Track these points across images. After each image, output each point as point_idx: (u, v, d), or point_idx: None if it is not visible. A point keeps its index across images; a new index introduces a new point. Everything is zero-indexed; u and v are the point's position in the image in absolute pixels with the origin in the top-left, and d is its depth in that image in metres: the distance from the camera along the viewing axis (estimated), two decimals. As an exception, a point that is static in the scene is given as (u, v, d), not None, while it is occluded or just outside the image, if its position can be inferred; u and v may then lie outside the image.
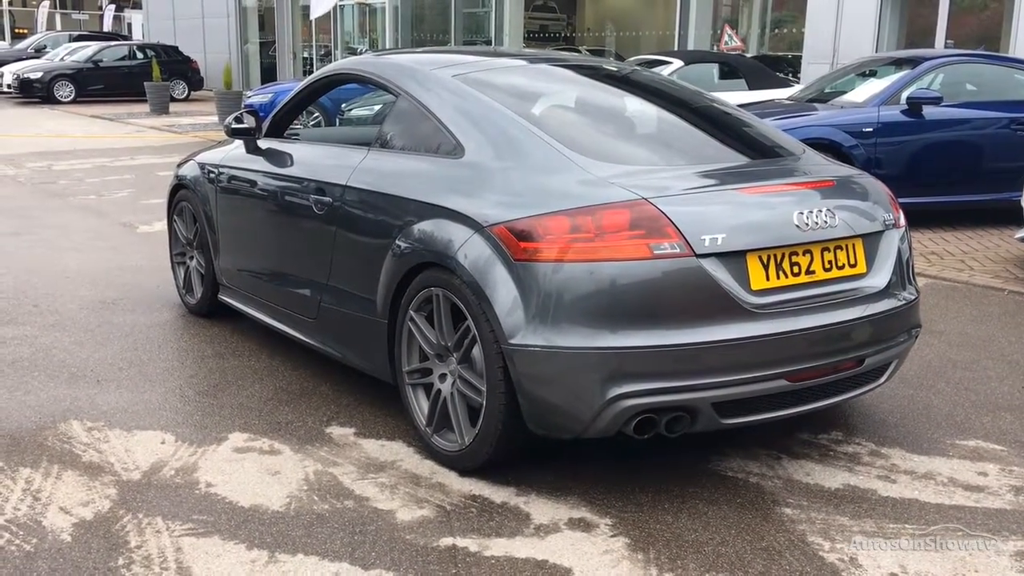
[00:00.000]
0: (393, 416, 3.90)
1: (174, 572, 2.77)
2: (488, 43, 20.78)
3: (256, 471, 3.43)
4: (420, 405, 3.58)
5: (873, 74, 8.99)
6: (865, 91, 8.48)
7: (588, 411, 3.05)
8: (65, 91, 23.20)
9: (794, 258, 3.23)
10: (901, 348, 3.60)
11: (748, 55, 15.07)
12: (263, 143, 4.69)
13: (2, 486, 3.30)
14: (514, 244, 3.12)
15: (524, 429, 3.22)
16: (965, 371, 4.58)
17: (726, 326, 3.06)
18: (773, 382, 3.16)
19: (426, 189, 3.53)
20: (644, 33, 21.93)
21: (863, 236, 3.43)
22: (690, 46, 16.17)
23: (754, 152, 3.86)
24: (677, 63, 11.46)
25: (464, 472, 3.39)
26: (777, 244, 3.19)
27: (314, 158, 4.35)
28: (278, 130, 4.78)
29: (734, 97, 9.05)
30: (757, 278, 3.14)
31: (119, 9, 39.08)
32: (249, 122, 4.64)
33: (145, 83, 20.91)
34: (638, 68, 4.78)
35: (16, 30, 46.85)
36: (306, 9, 21.57)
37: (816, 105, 8.57)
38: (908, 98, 7.93)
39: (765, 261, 3.17)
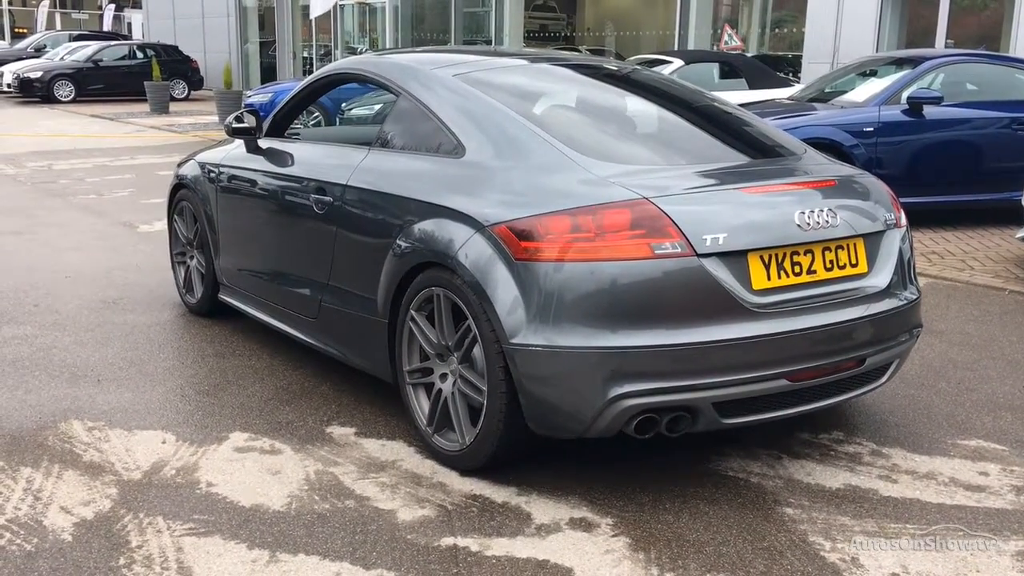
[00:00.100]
0: (394, 416, 3.89)
1: (175, 572, 2.77)
2: (488, 43, 20.77)
3: (257, 471, 3.43)
4: (421, 405, 3.57)
5: (874, 74, 8.98)
6: (866, 91, 8.48)
7: (589, 411, 3.05)
8: (65, 91, 23.19)
9: (795, 258, 3.23)
10: (902, 348, 3.60)
11: (748, 55, 15.06)
12: (263, 142, 4.68)
13: (3, 486, 3.30)
14: (515, 244, 3.11)
15: (525, 429, 3.21)
16: (966, 371, 4.58)
17: (727, 326, 3.06)
18: (774, 382, 3.16)
19: (427, 189, 3.53)
20: (644, 33, 21.94)
21: (864, 236, 3.42)
22: (690, 46, 16.17)
23: (755, 152, 3.86)
24: (677, 63, 11.46)
25: (465, 472, 3.39)
26: (778, 244, 3.19)
27: (315, 157, 4.35)
28: (278, 130, 4.78)
29: (734, 97, 9.04)
30: (758, 278, 3.14)
31: (119, 9, 39.08)
32: (250, 121, 4.63)
33: (145, 83, 20.90)
34: (638, 68, 4.78)
35: (16, 29, 46.85)
36: (306, 9, 21.56)
37: (816, 105, 8.57)
38: (909, 98, 7.93)
39: (766, 261, 3.17)
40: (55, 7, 44.54)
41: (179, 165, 5.47)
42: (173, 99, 22.65)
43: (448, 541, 2.95)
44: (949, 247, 7.45)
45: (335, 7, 22.42)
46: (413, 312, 3.49)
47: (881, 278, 3.45)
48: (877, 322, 3.38)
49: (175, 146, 14.24)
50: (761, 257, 3.16)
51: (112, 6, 38.60)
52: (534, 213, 3.13)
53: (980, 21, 14.46)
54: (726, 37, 15.08)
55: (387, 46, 20.94)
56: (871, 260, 3.44)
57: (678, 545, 2.95)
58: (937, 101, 7.92)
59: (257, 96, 14.93)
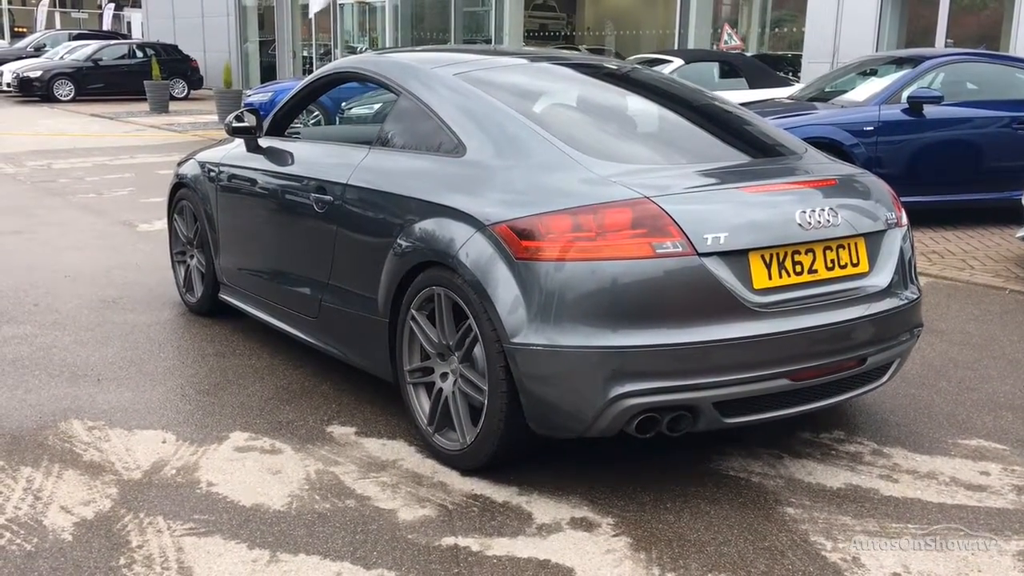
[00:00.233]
0: (394, 415, 3.89)
1: (175, 572, 2.77)
2: (488, 42, 20.76)
3: (257, 470, 3.43)
4: (421, 404, 3.57)
5: (874, 73, 8.98)
6: (866, 90, 8.48)
7: (590, 410, 3.05)
8: (64, 90, 23.18)
9: (796, 257, 3.23)
10: (903, 347, 3.59)
11: (748, 54, 15.05)
12: (264, 142, 4.68)
13: (3, 485, 3.29)
14: (516, 243, 3.11)
15: (526, 428, 3.21)
16: (967, 370, 4.58)
17: (728, 325, 3.05)
18: (775, 381, 3.16)
19: (427, 188, 3.52)
20: (644, 32, 21.92)
21: (865, 235, 3.42)
22: (690, 45, 16.16)
23: (756, 151, 3.85)
24: (677, 62, 11.45)
25: (466, 471, 3.39)
26: (779, 243, 3.18)
27: (315, 157, 4.35)
28: (279, 129, 4.77)
29: (734, 96, 9.04)
30: (759, 277, 3.14)
31: (118, 8, 39.03)
32: (250, 121, 4.63)
33: (145, 82, 20.89)
34: (639, 67, 4.77)
35: (15, 29, 46.82)
36: (305, 8, 21.58)
37: (816, 104, 8.56)
38: (909, 97, 7.93)
39: (767, 260, 3.16)
40: (55, 6, 44.52)
41: (179, 164, 5.47)
42: (173, 98, 22.64)
43: (449, 541, 2.95)
44: (949, 246, 7.45)
45: (335, 6, 22.43)
46: (414, 311, 3.49)
47: (882, 277, 3.45)
48: (878, 321, 3.38)
49: (175, 145, 14.23)
50: (762, 256, 3.15)
51: (112, 5, 38.56)
52: (535, 212, 3.13)
53: (980, 20, 14.46)
54: (726, 36, 15.07)
55: (387, 45, 20.92)
56: (872, 259, 3.44)
57: (679, 545, 2.95)
58: (937, 100, 7.91)
59: (257, 95, 14.93)
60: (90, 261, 6.69)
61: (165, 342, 4.89)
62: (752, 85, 11.29)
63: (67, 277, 6.20)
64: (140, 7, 31.52)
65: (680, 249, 3.02)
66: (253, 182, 4.61)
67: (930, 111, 7.93)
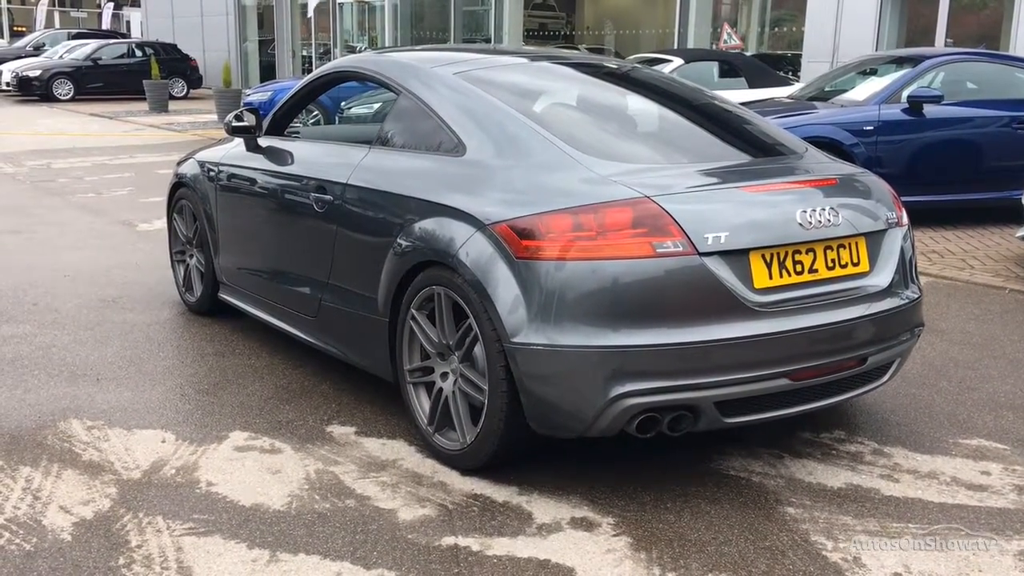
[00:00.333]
0: (394, 415, 3.89)
1: (175, 571, 2.76)
2: (487, 41, 20.76)
3: (257, 470, 3.42)
4: (421, 404, 3.57)
5: (873, 72, 8.97)
6: (866, 89, 8.47)
7: (590, 410, 3.04)
8: (64, 89, 23.17)
9: (797, 257, 3.22)
10: (903, 347, 3.59)
11: (748, 53, 15.04)
12: (263, 141, 4.67)
13: (2, 485, 3.29)
14: (516, 242, 3.11)
15: (526, 428, 3.21)
16: (967, 370, 4.58)
17: (729, 325, 3.05)
18: (776, 381, 3.15)
19: (427, 187, 3.52)
20: (643, 31, 21.91)
21: (866, 235, 3.42)
22: (690, 44, 16.16)
23: (756, 150, 3.85)
24: (677, 61, 11.44)
25: (466, 471, 3.38)
26: (780, 242, 3.18)
27: (315, 156, 4.34)
28: (278, 128, 4.77)
29: (734, 96, 9.03)
30: (760, 277, 3.13)
31: (118, 7, 39.01)
32: (249, 120, 4.62)
33: (144, 81, 20.88)
34: (638, 66, 4.77)
35: (15, 28, 46.81)
36: (305, 7, 21.56)
37: (816, 104, 8.56)
38: (909, 97, 7.92)
39: (768, 260, 3.16)
40: (54, 5, 44.48)
41: (178, 164, 5.46)
42: (172, 98, 22.62)
43: (449, 541, 2.95)
44: (949, 246, 7.45)
45: (334, 5, 22.42)
46: (414, 311, 3.48)
47: (883, 277, 3.44)
48: (879, 321, 3.38)
49: (174, 145, 14.22)
50: (763, 256, 3.15)
51: (111, 4, 38.54)
52: (535, 212, 3.12)
53: (980, 20, 14.46)
54: (725, 36, 15.06)
55: (386, 44, 20.92)
56: (873, 259, 3.44)
57: (680, 544, 2.94)
58: (937, 100, 7.91)
59: (256, 94, 14.92)
60: (89, 260, 6.68)
61: (164, 341, 4.89)
62: (752, 85, 11.28)
63: (66, 276, 6.19)
64: (139, 6, 31.50)
65: (681, 249, 3.01)
66: (253, 181, 4.60)
67: (930, 111, 7.93)
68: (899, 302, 3.47)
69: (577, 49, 20.34)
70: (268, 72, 25.57)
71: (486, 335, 3.16)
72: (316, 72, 4.71)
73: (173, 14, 28.57)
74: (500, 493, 3.25)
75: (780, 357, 3.14)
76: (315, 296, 4.09)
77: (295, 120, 5.03)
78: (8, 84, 23.75)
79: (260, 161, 4.58)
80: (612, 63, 4.82)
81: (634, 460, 3.50)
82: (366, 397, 4.10)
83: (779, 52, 17.40)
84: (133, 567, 2.78)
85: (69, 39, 28.43)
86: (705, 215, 3.10)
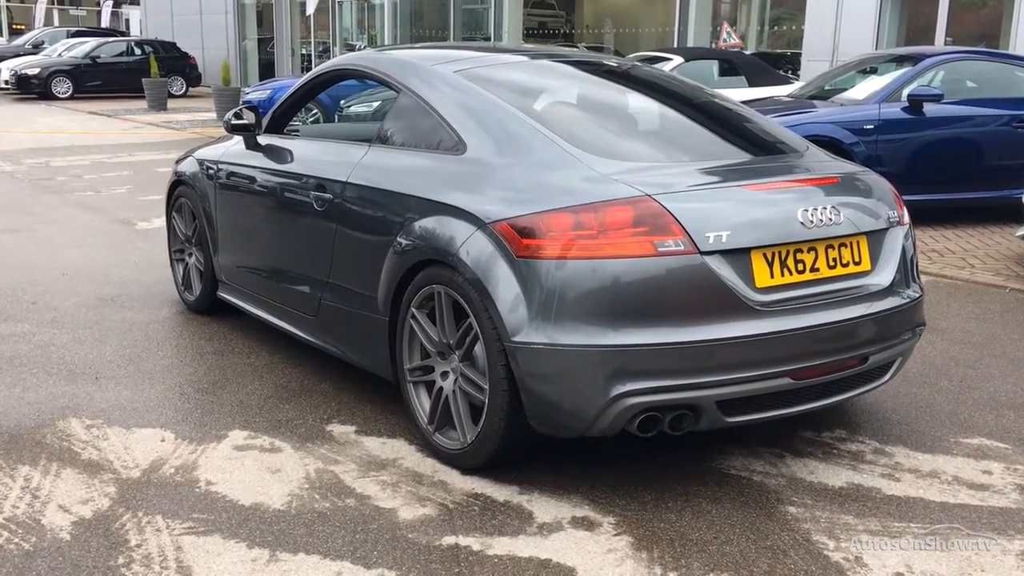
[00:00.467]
0: (394, 414, 3.88)
1: (174, 571, 2.75)
2: (487, 40, 20.74)
3: (257, 469, 3.41)
4: (422, 403, 3.56)
5: (874, 71, 8.96)
6: (866, 88, 8.46)
7: (591, 409, 3.03)
8: (63, 87, 23.13)
9: (799, 255, 3.22)
10: (905, 346, 3.58)
11: (747, 52, 15.03)
12: (263, 139, 4.66)
13: (1, 484, 3.28)
14: (516, 241, 3.10)
15: (527, 427, 3.20)
16: (968, 369, 4.57)
17: (730, 324, 3.04)
18: (777, 380, 3.15)
19: (428, 186, 3.51)
20: (643, 30, 21.89)
21: (867, 233, 3.41)
22: (689, 43, 16.14)
23: (758, 149, 3.84)
24: (677, 60, 11.43)
25: (466, 470, 3.37)
26: (781, 241, 3.17)
27: (314, 154, 4.33)
28: (278, 126, 4.75)
29: (734, 94, 9.02)
30: (761, 276, 3.13)
31: (117, 5, 38.95)
32: (249, 118, 4.61)
33: (143, 79, 20.84)
34: (639, 64, 4.76)
35: (14, 26, 46.74)
36: (304, 5, 21.52)
37: (816, 102, 8.54)
38: (909, 95, 7.91)
39: (769, 258, 3.15)
40: (53, 3, 44.42)
41: (177, 162, 5.45)
42: (171, 96, 22.60)
43: (449, 540, 2.94)
44: (949, 245, 7.44)
45: (334, 4, 22.41)
46: (414, 310, 3.47)
47: (884, 276, 3.43)
48: (880, 320, 3.37)
49: (173, 143, 14.21)
50: (764, 255, 3.14)
51: (110, 2, 38.47)
52: (536, 210, 3.11)
53: (980, 18, 14.45)
54: (725, 34, 15.05)
55: (386, 43, 20.90)
56: (874, 258, 3.43)
57: (681, 544, 2.93)
58: (937, 99, 7.90)
59: (256, 92, 14.91)
60: (88, 259, 6.67)
61: (164, 340, 4.88)
62: (752, 83, 11.28)
63: (65, 275, 6.18)
64: (138, 4, 31.47)
65: (682, 247, 3.00)
66: (252, 180, 4.59)
67: (930, 109, 7.92)
68: (900, 301, 3.46)
69: (577, 48, 20.32)
70: (267, 70, 25.54)
71: (486, 334, 3.15)
72: (316, 70, 4.69)
73: (172, 12, 28.54)
74: (501, 492, 3.24)
75: (781, 356, 3.13)
76: (315, 295, 4.08)
77: (295, 118, 5.02)
78: (7, 82, 23.71)
79: (259, 159, 4.57)
80: (612, 61, 4.81)
81: (635, 459, 3.50)
82: (366, 396, 4.09)
83: (779, 51, 17.40)
84: (132, 566, 2.77)
85: (68, 37, 28.40)
86: (706, 214, 3.09)
